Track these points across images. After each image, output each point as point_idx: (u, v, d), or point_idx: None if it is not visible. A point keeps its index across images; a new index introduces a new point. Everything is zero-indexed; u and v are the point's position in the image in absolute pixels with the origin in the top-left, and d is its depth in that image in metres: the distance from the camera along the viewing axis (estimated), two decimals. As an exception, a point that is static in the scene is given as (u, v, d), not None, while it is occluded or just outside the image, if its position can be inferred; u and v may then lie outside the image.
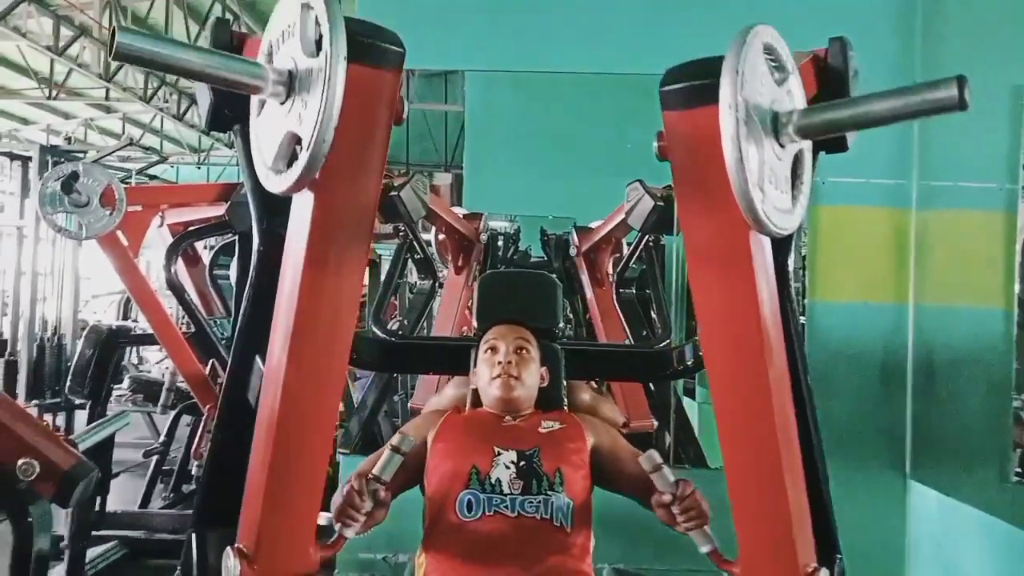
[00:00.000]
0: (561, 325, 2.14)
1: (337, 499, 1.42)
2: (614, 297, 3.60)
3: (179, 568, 1.43)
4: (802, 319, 2.39)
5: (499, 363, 1.79)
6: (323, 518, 1.33)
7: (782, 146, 0.95)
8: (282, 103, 0.99)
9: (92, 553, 3.38)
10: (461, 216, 3.80)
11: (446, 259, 3.74)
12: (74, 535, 2.94)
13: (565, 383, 2.07)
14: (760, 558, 1.19)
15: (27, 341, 5.70)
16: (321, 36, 0.93)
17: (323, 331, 1.17)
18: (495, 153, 6.37)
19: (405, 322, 3.57)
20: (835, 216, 2.48)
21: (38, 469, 1.66)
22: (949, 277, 2.42)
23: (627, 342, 3.43)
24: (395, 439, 1.43)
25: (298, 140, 0.96)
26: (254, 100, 1.09)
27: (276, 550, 1.22)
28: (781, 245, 1.47)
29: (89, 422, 2.95)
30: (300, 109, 0.96)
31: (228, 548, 1.21)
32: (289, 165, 0.99)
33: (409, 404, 2.76)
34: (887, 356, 2.43)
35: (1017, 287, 2.46)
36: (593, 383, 3.02)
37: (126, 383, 4.52)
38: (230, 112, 1.24)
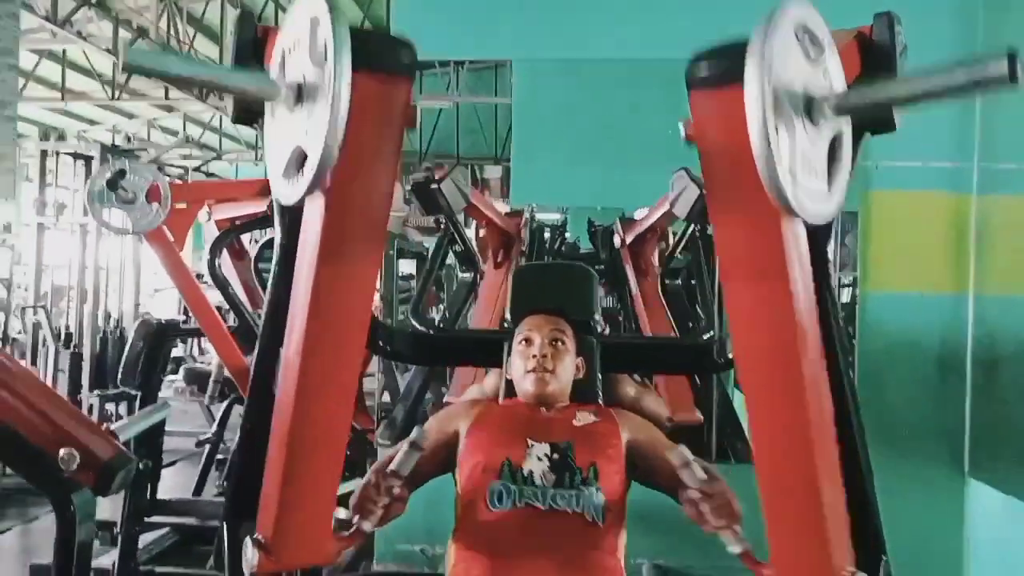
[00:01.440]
0: (597, 317, 2.09)
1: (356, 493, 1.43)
2: (659, 288, 3.52)
3: (212, 557, 1.47)
4: (853, 310, 2.29)
5: (534, 356, 1.75)
6: (343, 512, 1.36)
7: (817, 129, 0.90)
8: (291, 112, 1.00)
9: (145, 540, 3.50)
10: (503, 213, 3.79)
11: (486, 255, 3.73)
12: (126, 522, 3.04)
13: (604, 376, 2.04)
14: (792, 560, 1.13)
15: (91, 333, 5.93)
16: (327, 47, 0.92)
17: (336, 331, 1.18)
18: (543, 143, 6.32)
19: (447, 314, 3.57)
20: (889, 202, 2.36)
21: (78, 459, 1.70)
22: (1013, 266, 2.28)
23: (672, 334, 3.36)
24: (413, 434, 1.43)
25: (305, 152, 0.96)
26: (268, 114, 1.10)
27: (293, 541, 1.23)
28: (819, 233, 1.41)
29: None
30: (307, 120, 0.96)
31: (248, 538, 1.23)
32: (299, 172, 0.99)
33: (444, 399, 2.75)
34: (945, 349, 2.31)
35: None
36: (636, 376, 2.96)
37: (181, 374, 4.65)
38: (255, 107, 1.24)
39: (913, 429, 2.33)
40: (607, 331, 4.08)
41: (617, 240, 3.75)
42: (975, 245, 2.30)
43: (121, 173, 2.65)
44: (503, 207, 4.23)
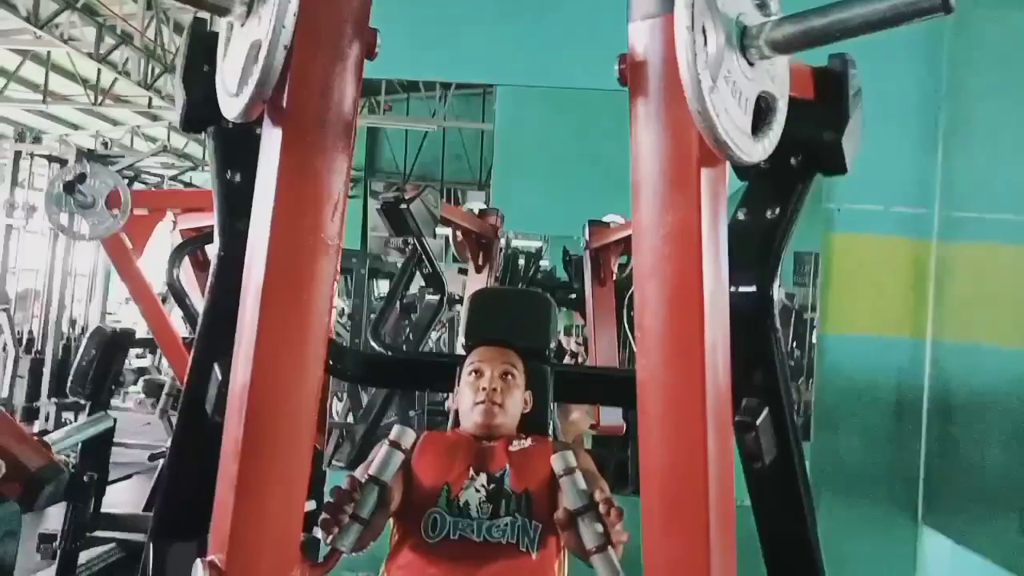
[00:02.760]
0: (552, 345, 2.07)
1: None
2: (614, 301, 3.50)
3: (137, 579, 1.38)
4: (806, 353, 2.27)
5: (483, 388, 1.74)
6: (318, 533, 1.23)
7: (751, 64, 0.87)
8: (242, 25, 0.97)
9: (88, 555, 3.40)
10: (477, 212, 3.78)
11: (466, 258, 3.72)
12: (67, 536, 2.95)
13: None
14: None
15: (54, 339, 5.83)
16: None
17: (298, 307, 1.06)
18: (524, 171, 6.34)
19: (411, 336, 3.53)
20: (850, 244, 2.36)
21: (3, 469, 1.63)
22: (971, 313, 2.28)
23: (616, 350, 3.34)
24: (394, 432, 1.30)
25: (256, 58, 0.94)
26: (221, 44, 1.06)
27: (254, 565, 1.06)
28: (763, 264, 1.39)
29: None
30: (257, 24, 0.93)
31: (198, 561, 1.06)
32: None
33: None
34: (901, 393, 2.30)
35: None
36: None
37: (140, 385, 4.56)
38: (204, 113, 1.21)
39: (868, 473, 2.31)
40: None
41: (583, 242, 3.73)
42: (934, 290, 2.30)
43: (81, 177, 2.60)
44: (478, 204, 4.21)
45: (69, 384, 2.85)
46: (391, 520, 1.63)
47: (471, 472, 1.64)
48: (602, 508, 1.18)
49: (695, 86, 0.79)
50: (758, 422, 1.35)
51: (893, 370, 2.31)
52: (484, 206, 4.16)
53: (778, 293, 3.54)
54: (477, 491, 1.62)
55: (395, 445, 1.28)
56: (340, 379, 2.79)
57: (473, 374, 1.77)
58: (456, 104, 11.05)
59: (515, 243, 6.17)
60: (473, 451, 1.70)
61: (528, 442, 1.71)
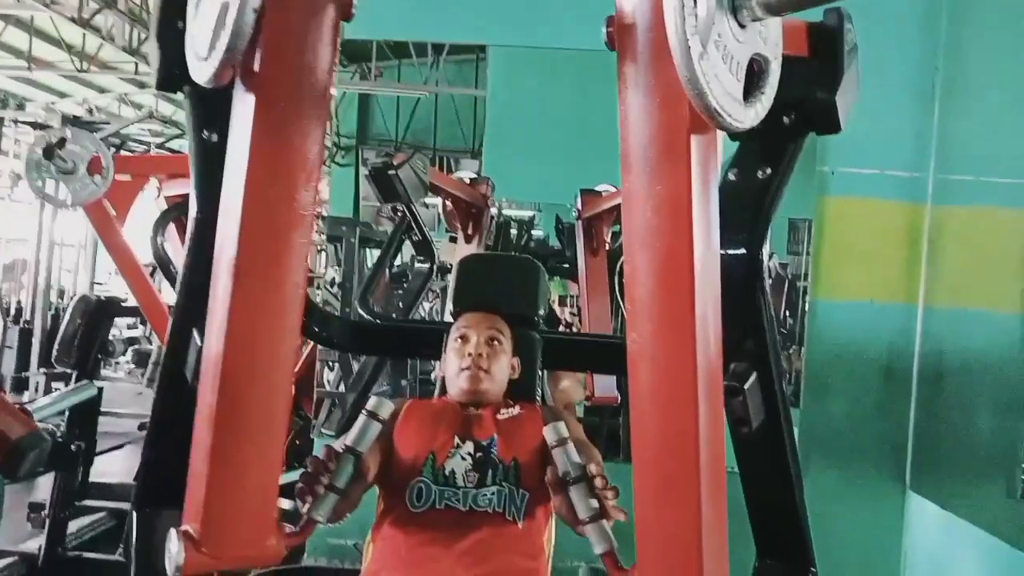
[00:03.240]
0: (541, 312, 2.04)
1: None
2: (607, 270, 3.47)
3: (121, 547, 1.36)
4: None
5: (469, 354, 1.71)
6: (287, 503, 1.18)
7: (742, 27, 0.84)
8: None
9: (79, 523, 3.40)
10: (467, 181, 3.73)
11: (455, 227, 3.68)
12: (55, 505, 2.94)
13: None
14: (657, 572, 0.97)
15: (42, 309, 5.78)
16: None
17: (272, 277, 1.04)
18: (517, 137, 6.25)
19: (401, 304, 3.50)
20: (844, 208, 2.33)
21: (-18, 438, 1.61)
22: (964, 278, 2.26)
23: (609, 319, 3.32)
24: (371, 403, 1.27)
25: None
26: (191, 2, 1.02)
27: (229, 533, 1.07)
28: (753, 228, 1.36)
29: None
30: None
31: (172, 530, 1.07)
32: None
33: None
34: (892, 360, 2.28)
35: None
36: None
37: (129, 355, 4.53)
38: (179, 71, 1.16)
39: (857, 439, 2.31)
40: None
41: (575, 212, 3.69)
42: (927, 255, 2.27)
43: (61, 142, 2.54)
44: (468, 174, 4.15)
45: (55, 353, 2.82)
46: (377, 489, 1.62)
47: (456, 440, 1.62)
48: (598, 483, 1.17)
49: (684, 53, 0.76)
50: (746, 387, 1.33)
51: (884, 336, 2.30)
52: (475, 175, 4.10)
53: (772, 261, 3.50)
54: (463, 459, 1.60)
55: (372, 416, 1.25)
56: (326, 346, 2.76)
57: (459, 340, 1.74)
58: (449, 70, 10.89)
59: (507, 212, 6.12)
60: (459, 419, 1.68)
61: (517, 410, 1.69)
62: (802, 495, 1.36)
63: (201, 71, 0.96)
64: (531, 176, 6.51)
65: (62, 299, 6.11)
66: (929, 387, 2.26)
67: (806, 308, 2.43)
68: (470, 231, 3.57)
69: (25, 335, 5.69)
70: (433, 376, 2.10)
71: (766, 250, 1.39)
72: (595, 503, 1.16)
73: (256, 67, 0.98)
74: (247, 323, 1.06)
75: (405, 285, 4.90)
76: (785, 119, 1.23)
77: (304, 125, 1.05)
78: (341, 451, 1.25)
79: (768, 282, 1.43)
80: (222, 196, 1.08)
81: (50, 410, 2.19)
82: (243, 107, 1.01)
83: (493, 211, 5.23)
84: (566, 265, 4.95)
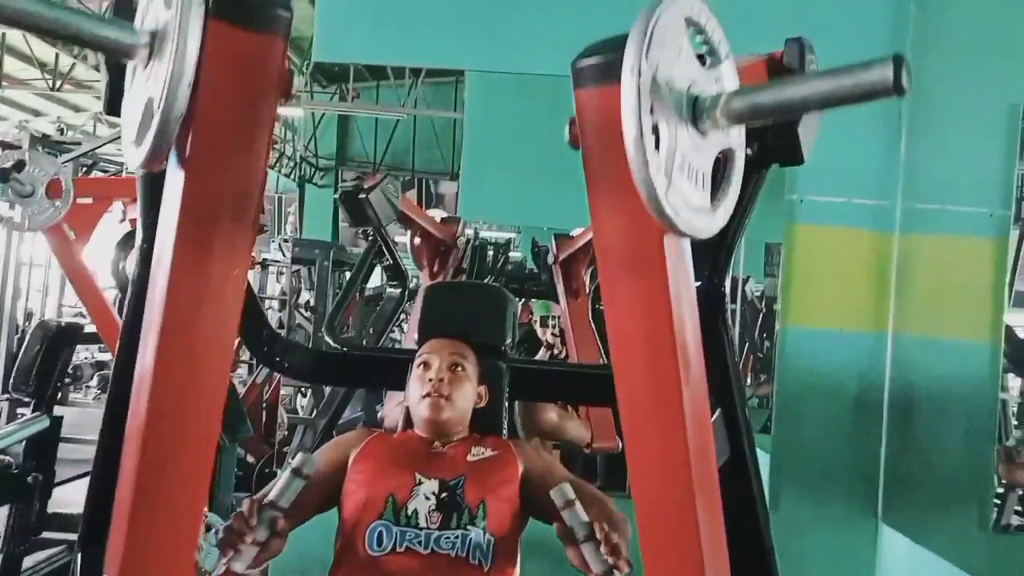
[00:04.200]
0: (508, 341, 2.01)
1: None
2: (589, 311, 3.46)
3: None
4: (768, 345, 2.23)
5: (430, 380, 1.67)
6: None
7: (702, 135, 0.82)
8: (145, 67, 0.89)
9: (36, 558, 3.29)
10: (439, 220, 3.69)
11: (422, 264, 3.64)
12: (9, 539, 2.85)
13: (522, 403, 1.94)
14: None
15: (7, 333, 5.66)
16: None
17: (198, 331, 1.02)
18: (494, 160, 6.25)
19: (371, 330, 3.45)
20: (812, 236, 2.32)
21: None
22: (932, 306, 2.25)
23: (601, 360, 3.29)
24: (296, 460, 1.30)
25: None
26: (128, 74, 0.98)
27: None
28: (716, 259, 1.35)
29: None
30: (158, 71, 0.85)
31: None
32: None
33: (379, 415, 2.62)
34: (862, 389, 2.27)
35: (1006, 319, 2.30)
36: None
37: (95, 380, 4.42)
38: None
39: (827, 469, 2.28)
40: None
41: (550, 257, 3.68)
42: (896, 284, 2.27)
43: (19, 164, 2.48)
44: (439, 213, 4.13)
45: (12, 381, 2.73)
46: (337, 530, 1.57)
47: (418, 477, 1.57)
48: (603, 549, 1.20)
49: (650, 192, 0.74)
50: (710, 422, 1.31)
51: (855, 364, 2.28)
52: (445, 215, 4.07)
53: (748, 285, 3.49)
54: (427, 498, 1.54)
55: (296, 473, 1.28)
56: (288, 377, 2.71)
57: (421, 367, 1.70)
58: (427, 92, 10.94)
59: (484, 233, 6.08)
60: (422, 455, 1.63)
61: (489, 451, 1.64)
62: (769, 532, 1.33)
63: (131, 156, 0.93)
64: (509, 198, 6.52)
65: (29, 322, 5.98)
66: (900, 416, 2.25)
67: (775, 335, 2.42)
68: (436, 268, 3.53)
69: (-11, 358, 5.56)
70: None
71: (729, 280, 1.38)
72: (608, 558, 1.22)
73: (187, 149, 0.95)
74: (168, 395, 1.04)
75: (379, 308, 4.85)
76: (747, 150, 1.22)
77: (234, 213, 1.03)
78: (264, 505, 1.26)
79: (732, 309, 1.42)
80: (159, 219, 1.06)
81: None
82: (173, 190, 0.99)
83: (469, 233, 5.20)
84: (541, 288, 4.93)
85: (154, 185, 1.23)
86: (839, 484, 2.28)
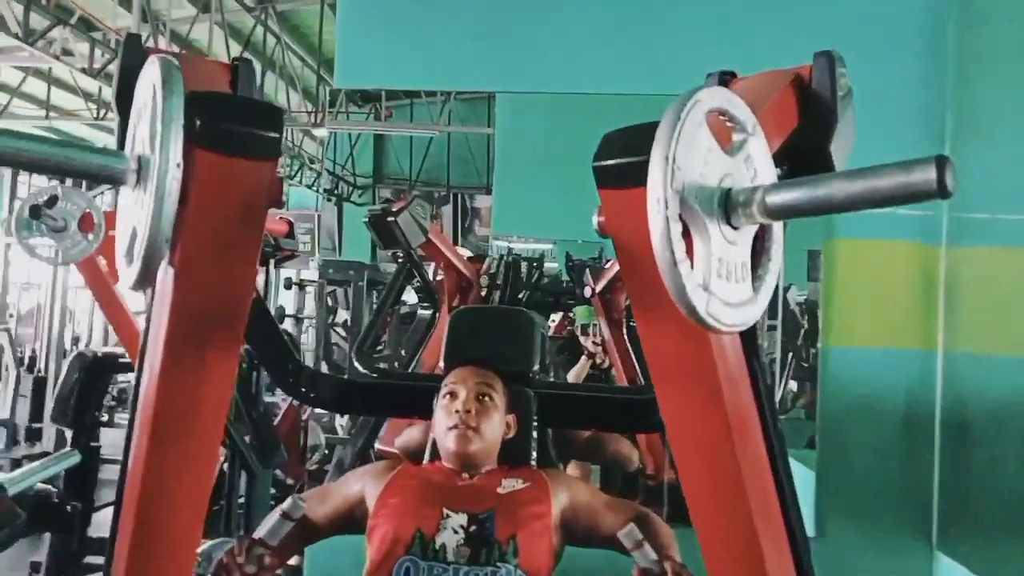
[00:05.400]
0: (536, 368, 1.96)
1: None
2: (625, 337, 3.43)
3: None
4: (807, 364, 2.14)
5: (456, 412, 1.64)
6: None
7: (735, 228, 0.78)
8: (133, 190, 0.88)
9: (80, 584, 3.32)
10: (465, 257, 3.69)
11: (442, 297, 3.62)
12: (50, 568, 2.89)
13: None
14: None
15: (56, 357, 5.78)
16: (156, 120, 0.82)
17: (185, 430, 1.05)
18: (525, 174, 6.25)
19: (403, 353, 3.43)
20: (854, 251, 2.22)
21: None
22: (984, 322, 2.12)
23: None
24: (286, 504, 1.35)
25: None
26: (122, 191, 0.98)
27: None
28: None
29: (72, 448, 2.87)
30: (143, 200, 0.85)
31: None
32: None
33: (376, 447, 2.58)
34: (912, 410, 2.15)
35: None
36: None
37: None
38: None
39: (877, 496, 2.17)
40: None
41: (587, 291, 3.66)
42: (944, 299, 2.15)
43: (52, 200, 2.51)
44: (465, 252, 4.15)
45: (51, 413, 2.77)
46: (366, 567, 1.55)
47: (446, 511, 1.54)
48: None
49: (691, 309, 0.72)
50: (745, 461, 1.27)
51: (902, 385, 2.17)
52: (471, 253, 4.08)
53: (790, 293, 3.35)
54: (455, 532, 1.52)
55: (286, 516, 1.34)
56: (314, 407, 2.69)
57: (448, 397, 1.67)
58: (460, 109, 10.99)
59: (517, 247, 6.06)
60: (450, 487, 1.60)
61: (520, 483, 1.60)
62: (810, 563, 1.28)
63: (123, 273, 0.92)
64: (542, 212, 6.49)
65: (76, 346, 6.10)
66: (953, 438, 2.12)
67: (812, 356, 2.32)
68: (456, 303, 3.52)
69: (39, 384, 5.67)
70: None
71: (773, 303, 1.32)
72: None
73: (176, 261, 0.93)
74: (166, 432, 1.05)
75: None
76: (777, 171, 1.16)
77: (223, 309, 1.05)
78: (253, 542, 1.32)
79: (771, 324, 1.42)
80: (150, 316, 1.07)
81: (24, 483, 2.13)
82: (163, 289, 0.98)
83: (502, 248, 5.16)
84: (576, 302, 4.87)
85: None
86: (890, 509, 2.16)
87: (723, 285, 0.74)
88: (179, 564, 1.11)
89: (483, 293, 3.71)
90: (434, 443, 1.74)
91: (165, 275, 0.98)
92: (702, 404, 0.95)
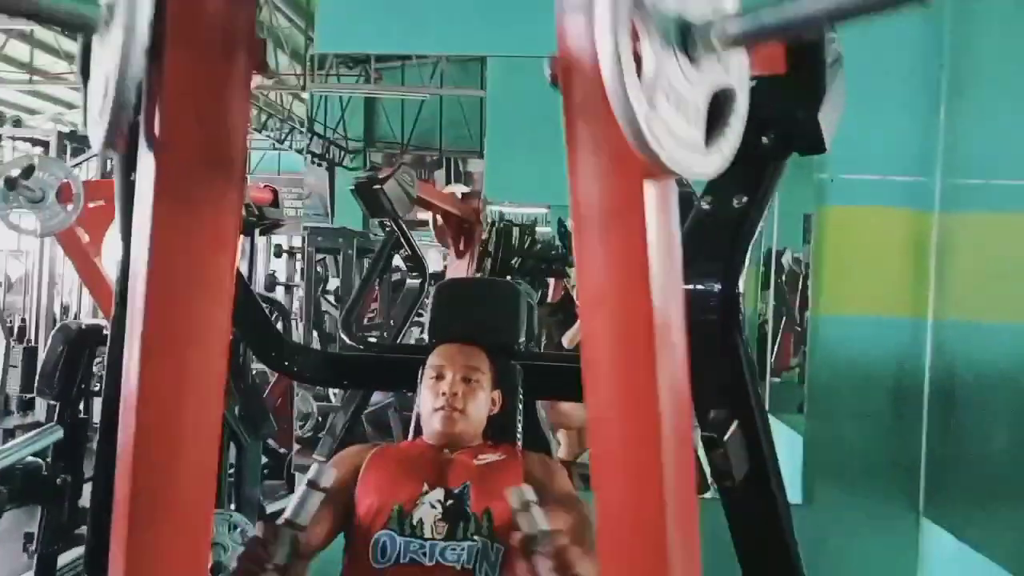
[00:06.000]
0: (522, 340, 1.94)
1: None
2: None
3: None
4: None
5: (443, 394, 1.62)
6: None
7: (694, 63, 0.71)
8: (104, 36, 0.82)
9: (73, 554, 3.34)
10: (459, 196, 3.64)
11: (446, 243, 3.59)
12: (42, 540, 2.88)
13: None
14: None
15: (46, 327, 5.75)
16: None
17: (187, 323, 0.95)
18: (518, 140, 6.17)
19: (391, 322, 3.40)
20: (845, 217, 2.19)
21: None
22: (975, 289, 2.10)
23: None
24: (312, 472, 1.19)
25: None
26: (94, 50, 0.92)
27: None
28: (730, 261, 1.24)
29: (58, 423, 2.85)
30: (112, 39, 0.78)
31: None
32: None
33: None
34: (901, 378, 2.14)
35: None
36: None
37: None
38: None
39: (865, 463, 2.17)
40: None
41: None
42: (935, 266, 2.13)
43: (29, 171, 2.46)
44: (459, 188, 4.06)
45: (36, 385, 2.74)
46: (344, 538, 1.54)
47: (425, 486, 1.53)
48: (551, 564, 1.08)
49: (628, 115, 0.64)
50: (726, 437, 1.23)
51: (892, 353, 2.16)
52: (467, 189, 4.01)
53: (786, 256, 3.31)
54: (432, 507, 1.51)
55: (313, 485, 1.16)
56: (297, 381, 2.67)
57: (433, 377, 1.66)
58: (452, 71, 10.79)
59: (509, 210, 6.01)
60: (431, 463, 1.59)
61: (496, 455, 1.59)
62: (796, 548, 1.24)
63: (94, 134, 0.86)
64: (534, 177, 6.43)
65: (66, 316, 6.07)
66: (942, 406, 2.12)
67: (805, 323, 2.30)
68: (462, 247, 3.48)
69: (30, 354, 5.65)
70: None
71: (741, 283, 1.28)
72: None
73: (156, 129, 0.87)
74: (157, 409, 0.97)
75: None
76: (764, 139, 1.12)
77: (214, 191, 0.95)
78: (280, 526, 1.15)
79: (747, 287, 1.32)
80: (129, 269, 0.99)
81: (5, 461, 2.11)
82: (145, 170, 0.91)
83: (494, 213, 5.11)
84: (570, 268, 4.84)
85: (131, 171, 1.18)
86: (877, 477, 2.17)
87: (670, 109, 0.68)
88: (190, 534, 1.02)
89: (484, 233, 3.64)
90: (416, 420, 1.73)
91: (144, 156, 0.91)
92: (622, 264, 0.79)
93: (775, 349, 3.73)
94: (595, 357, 0.83)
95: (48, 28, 6.83)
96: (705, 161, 0.71)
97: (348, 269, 4.85)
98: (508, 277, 4.69)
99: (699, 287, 1.13)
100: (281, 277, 6.52)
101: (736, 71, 0.78)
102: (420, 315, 3.36)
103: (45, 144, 5.97)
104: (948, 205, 2.12)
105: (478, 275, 4.04)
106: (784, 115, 1.06)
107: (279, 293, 6.13)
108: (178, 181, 0.89)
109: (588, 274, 0.83)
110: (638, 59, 0.65)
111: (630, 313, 0.78)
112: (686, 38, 0.68)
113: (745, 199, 1.19)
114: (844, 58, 1.11)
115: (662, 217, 0.78)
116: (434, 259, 4.39)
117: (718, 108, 0.76)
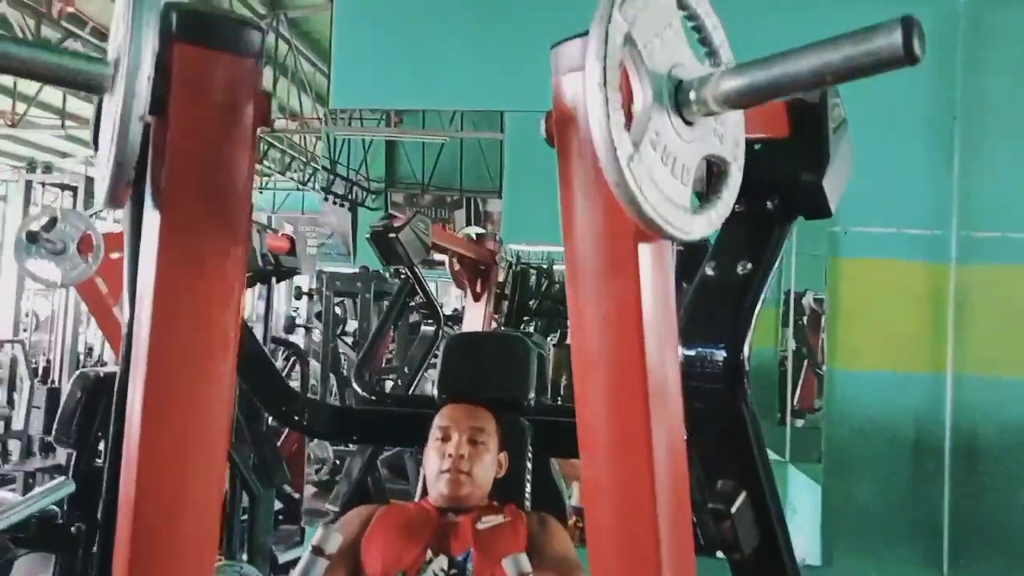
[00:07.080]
0: (532, 396, 1.92)
1: None
2: None
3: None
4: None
5: (449, 455, 1.60)
6: None
7: (688, 124, 0.71)
8: (111, 97, 0.84)
9: (86, 602, 3.33)
10: (474, 237, 3.65)
11: (463, 285, 3.59)
12: (55, 589, 2.87)
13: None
14: None
15: (69, 369, 5.81)
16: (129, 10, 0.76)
17: (189, 379, 0.95)
18: (536, 180, 6.22)
19: (406, 370, 3.40)
20: (860, 271, 2.16)
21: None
22: (995, 343, 2.06)
23: None
24: (316, 537, 1.18)
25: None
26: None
27: None
28: (735, 325, 1.23)
29: (73, 474, 2.86)
30: (116, 98, 0.79)
31: None
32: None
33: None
34: (921, 434, 2.09)
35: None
36: None
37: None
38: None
39: (885, 523, 2.11)
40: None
41: None
42: (954, 320, 2.09)
43: (51, 223, 2.50)
44: (474, 230, 4.08)
45: (54, 433, 2.75)
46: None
47: (429, 554, 1.51)
48: None
49: (609, 153, 0.64)
50: (734, 508, 1.20)
51: (911, 409, 2.11)
52: (482, 231, 4.02)
53: (807, 298, 3.25)
54: (436, 575, 1.49)
55: (317, 551, 1.14)
56: (308, 436, 2.66)
57: (439, 439, 1.64)
58: (472, 114, 10.93)
59: (525, 252, 6.02)
60: (434, 528, 1.56)
61: (499, 517, 1.56)
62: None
63: (99, 192, 0.88)
64: (553, 215, 6.47)
65: (90, 357, 6.14)
66: (964, 464, 2.06)
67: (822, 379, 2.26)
68: (478, 289, 3.47)
69: (52, 395, 5.69)
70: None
71: (747, 350, 1.26)
72: None
73: (162, 185, 0.89)
74: (158, 466, 0.96)
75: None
76: (768, 203, 1.12)
77: (218, 247, 0.96)
78: None
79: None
80: (133, 323, 1.00)
81: (17, 517, 2.11)
82: (150, 226, 0.93)
83: (511, 253, 5.14)
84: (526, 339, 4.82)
85: (139, 227, 1.19)
86: (899, 538, 2.10)
87: (655, 160, 0.66)
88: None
89: (500, 275, 3.64)
90: (423, 479, 1.72)
91: (150, 214, 0.92)
92: (617, 319, 0.78)
93: (797, 392, 3.67)
94: (590, 423, 0.83)
95: (61, 90, 7.03)
96: (690, 221, 0.70)
97: (366, 313, 4.88)
98: (525, 318, 4.67)
99: (703, 354, 1.12)
100: (302, 317, 6.55)
101: (731, 143, 0.78)
102: (436, 357, 3.37)
103: (74, 189, 6.10)
104: (964, 257, 2.09)
105: (495, 316, 4.02)
106: (788, 179, 1.05)
107: (299, 334, 6.17)
108: (183, 237, 0.89)
109: (582, 336, 0.82)
110: (629, 115, 0.65)
111: (624, 378, 0.78)
112: (679, 96, 0.68)
113: (750, 265, 1.18)
114: (849, 122, 1.11)
115: (657, 280, 0.77)
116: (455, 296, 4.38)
117: (711, 177, 0.76)
